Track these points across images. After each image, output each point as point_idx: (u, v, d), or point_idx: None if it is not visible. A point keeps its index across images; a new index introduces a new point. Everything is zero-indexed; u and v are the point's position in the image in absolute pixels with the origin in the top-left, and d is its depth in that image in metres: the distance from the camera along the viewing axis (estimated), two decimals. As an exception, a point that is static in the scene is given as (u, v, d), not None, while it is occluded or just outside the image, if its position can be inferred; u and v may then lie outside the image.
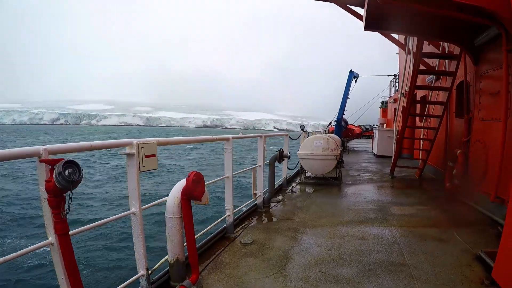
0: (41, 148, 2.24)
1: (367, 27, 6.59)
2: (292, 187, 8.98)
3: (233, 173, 5.30)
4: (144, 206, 3.29)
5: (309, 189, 9.05)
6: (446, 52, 9.12)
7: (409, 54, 10.88)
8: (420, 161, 10.68)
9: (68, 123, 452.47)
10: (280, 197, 7.96)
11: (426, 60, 10.09)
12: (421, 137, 11.17)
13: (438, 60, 10.09)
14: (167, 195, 3.50)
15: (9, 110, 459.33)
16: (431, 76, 10.74)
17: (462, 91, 8.01)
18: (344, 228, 5.56)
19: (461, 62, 8.02)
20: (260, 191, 6.78)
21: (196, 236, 4.42)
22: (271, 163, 7.32)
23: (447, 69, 9.23)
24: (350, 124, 25.86)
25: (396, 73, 23.60)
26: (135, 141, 3.07)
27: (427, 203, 7.23)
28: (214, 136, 4.83)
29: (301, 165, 9.86)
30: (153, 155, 3.25)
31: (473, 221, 5.82)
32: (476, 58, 7.07)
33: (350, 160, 16.02)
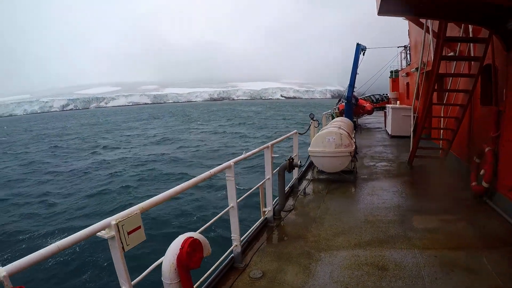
0: (1, 274, 1.83)
1: (382, 12, 5.84)
2: (305, 188, 8.40)
3: (238, 200, 4.80)
4: (134, 281, 2.84)
5: (322, 189, 8.49)
6: (470, 34, 8.25)
7: (428, 33, 10.03)
8: (441, 151, 9.97)
9: (77, 108, 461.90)
10: (291, 203, 7.47)
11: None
12: (442, 126, 10.33)
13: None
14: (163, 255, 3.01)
15: (20, 101, 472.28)
16: (450, 55, 9.83)
17: (488, 77, 7.24)
18: (362, 252, 5.04)
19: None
20: (270, 206, 6.28)
21: (201, 279, 4.03)
22: (280, 172, 6.70)
23: (472, 53, 8.38)
24: (361, 98, 24.67)
25: (406, 44, 22.26)
26: (113, 221, 2.55)
27: (452, 210, 6.54)
28: (214, 170, 4.25)
29: (311, 161, 9.31)
30: (139, 227, 2.76)
31: (505, 239, 5.20)
32: (508, 44, 6.22)
33: (363, 143, 15.24)
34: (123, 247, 2.62)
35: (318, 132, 9.95)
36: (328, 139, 8.69)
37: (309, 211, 6.98)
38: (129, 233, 2.66)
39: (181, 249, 2.86)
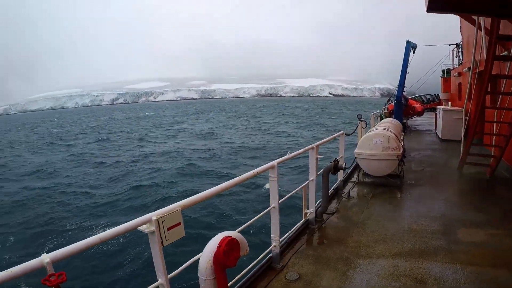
0: (44, 260, 1.97)
1: (431, 9, 5.56)
2: (349, 191, 8.20)
3: (280, 201, 4.77)
4: (170, 275, 2.93)
5: (367, 193, 8.26)
6: None
7: (480, 30, 9.46)
8: (492, 158, 9.37)
9: (127, 101, 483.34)
10: (334, 206, 7.32)
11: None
12: (495, 132, 9.72)
13: None
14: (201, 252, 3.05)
15: (71, 95, 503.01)
16: (503, 54, 9.21)
17: None
18: (402, 262, 4.82)
19: None
20: (312, 208, 6.18)
21: (238, 276, 4.06)
22: (324, 174, 6.59)
23: None
24: (411, 98, 23.52)
25: (458, 41, 21.02)
26: (154, 216, 2.64)
27: (500, 224, 6.05)
28: (257, 169, 4.23)
29: (357, 163, 9.09)
30: (178, 224, 2.84)
31: None
32: None
33: (411, 146, 14.59)
34: (162, 242, 2.71)
35: (365, 133, 9.70)
36: (375, 141, 8.45)
37: (351, 215, 6.82)
38: (168, 228, 2.74)
39: (218, 247, 2.89)
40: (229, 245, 2.92)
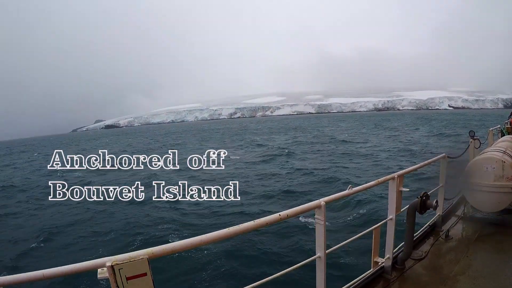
0: None
1: None
2: (449, 229, 6.45)
3: (329, 250, 3.74)
4: None
5: (470, 234, 6.44)
6: None
7: None
8: None
9: (244, 116, 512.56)
10: (425, 249, 5.77)
11: None
12: None
13: None
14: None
15: (191, 109, 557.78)
16: None
17: None
18: None
19: None
20: (389, 254, 4.87)
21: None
22: (409, 212, 5.10)
23: None
24: None
25: None
26: (108, 262, 2.13)
27: None
28: (290, 211, 3.16)
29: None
30: (143, 275, 2.24)
31: None
32: None
33: None
34: (118, 293, 2.24)
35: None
36: (486, 168, 6.61)
37: (443, 265, 5.27)
38: (128, 278, 2.21)
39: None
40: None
